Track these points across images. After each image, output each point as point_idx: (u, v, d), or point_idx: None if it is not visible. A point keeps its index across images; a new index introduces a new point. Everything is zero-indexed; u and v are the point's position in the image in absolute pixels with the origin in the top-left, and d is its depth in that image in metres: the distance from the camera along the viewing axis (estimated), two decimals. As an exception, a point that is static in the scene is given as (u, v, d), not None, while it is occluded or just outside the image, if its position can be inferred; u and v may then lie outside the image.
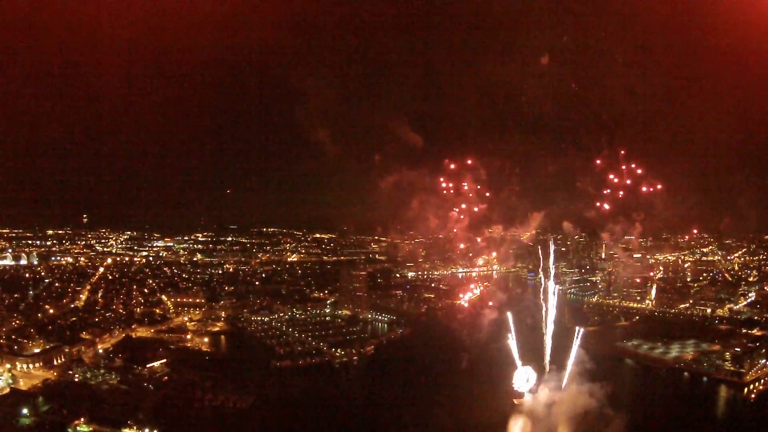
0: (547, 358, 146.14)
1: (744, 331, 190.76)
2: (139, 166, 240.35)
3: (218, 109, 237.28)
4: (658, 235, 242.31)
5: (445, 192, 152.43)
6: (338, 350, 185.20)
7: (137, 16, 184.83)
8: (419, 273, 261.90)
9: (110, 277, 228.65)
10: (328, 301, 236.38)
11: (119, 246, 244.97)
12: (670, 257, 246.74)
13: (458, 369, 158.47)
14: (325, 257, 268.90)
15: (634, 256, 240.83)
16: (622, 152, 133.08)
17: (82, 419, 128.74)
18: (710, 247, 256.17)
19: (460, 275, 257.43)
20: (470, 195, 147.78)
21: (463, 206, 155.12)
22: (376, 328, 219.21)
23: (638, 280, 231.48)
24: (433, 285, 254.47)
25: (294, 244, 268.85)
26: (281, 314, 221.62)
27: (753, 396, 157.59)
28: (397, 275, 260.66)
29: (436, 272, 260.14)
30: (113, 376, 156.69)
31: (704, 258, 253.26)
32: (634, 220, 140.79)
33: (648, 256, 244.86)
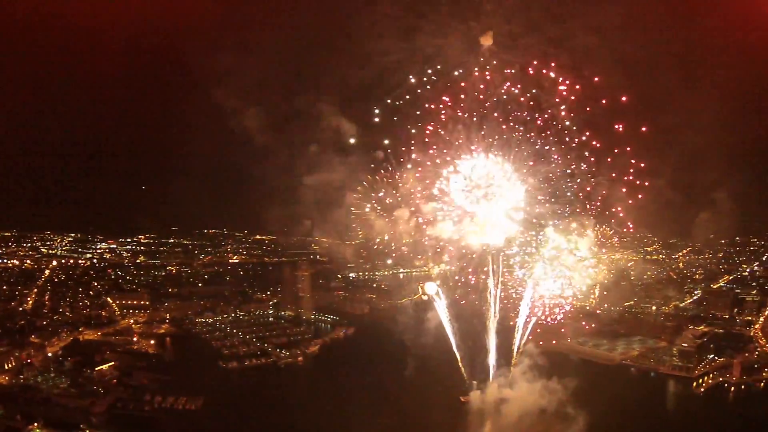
0: (492, 354, 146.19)
1: (690, 327, 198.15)
2: (79, 165, 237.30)
3: (153, 105, 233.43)
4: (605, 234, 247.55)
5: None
6: (283, 351, 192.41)
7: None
8: (360, 273, 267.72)
9: (56, 280, 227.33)
10: (271, 302, 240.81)
11: (63, 248, 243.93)
12: (614, 256, 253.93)
13: (403, 368, 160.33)
14: (266, 258, 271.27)
15: (577, 254, 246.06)
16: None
17: (36, 424, 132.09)
18: (654, 246, 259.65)
19: (401, 276, 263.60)
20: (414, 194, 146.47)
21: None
22: (319, 328, 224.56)
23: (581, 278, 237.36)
24: (374, 285, 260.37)
25: (235, 246, 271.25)
26: (225, 315, 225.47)
27: (702, 390, 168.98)
28: (339, 276, 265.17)
29: (377, 273, 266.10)
30: (63, 380, 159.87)
31: (648, 257, 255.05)
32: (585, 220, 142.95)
33: (590, 255, 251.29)
